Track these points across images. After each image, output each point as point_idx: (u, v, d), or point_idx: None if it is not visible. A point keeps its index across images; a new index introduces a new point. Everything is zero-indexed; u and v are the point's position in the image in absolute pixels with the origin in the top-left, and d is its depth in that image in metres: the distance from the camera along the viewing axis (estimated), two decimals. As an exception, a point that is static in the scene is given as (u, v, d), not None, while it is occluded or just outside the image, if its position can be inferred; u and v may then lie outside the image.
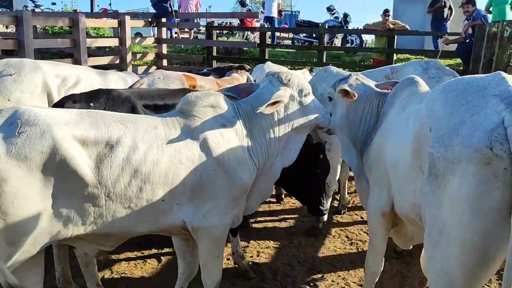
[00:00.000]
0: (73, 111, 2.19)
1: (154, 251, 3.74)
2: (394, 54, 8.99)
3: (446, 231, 1.71)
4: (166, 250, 3.72)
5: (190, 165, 2.27)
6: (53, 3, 21.73)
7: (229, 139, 2.41)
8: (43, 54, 10.48)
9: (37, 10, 18.33)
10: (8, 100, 3.27)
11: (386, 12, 9.08)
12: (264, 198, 2.82)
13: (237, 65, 4.83)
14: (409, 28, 9.13)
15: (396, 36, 8.86)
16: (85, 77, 3.85)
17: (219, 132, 2.38)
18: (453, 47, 8.25)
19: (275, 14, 14.13)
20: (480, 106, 1.66)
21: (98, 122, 2.12)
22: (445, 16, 10.56)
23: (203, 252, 2.49)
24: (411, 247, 3.31)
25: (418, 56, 10.79)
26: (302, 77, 2.80)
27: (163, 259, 3.63)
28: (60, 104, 2.85)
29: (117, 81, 4.04)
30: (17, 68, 3.40)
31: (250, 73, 4.78)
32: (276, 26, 14.44)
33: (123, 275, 3.39)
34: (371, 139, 2.74)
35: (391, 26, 8.89)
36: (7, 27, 13.49)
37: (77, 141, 2.02)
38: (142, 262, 3.57)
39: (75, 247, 2.47)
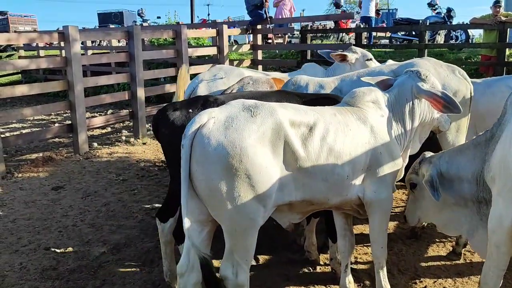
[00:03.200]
0: (275, 103, 2.59)
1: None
2: (507, 49, 8.20)
3: None
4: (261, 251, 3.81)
5: (364, 148, 2.67)
6: (158, 17, 23.50)
7: (387, 127, 2.84)
8: (149, 65, 11.34)
9: (144, 24, 19.94)
10: None
11: (497, 3, 8.31)
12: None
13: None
14: (524, 19, 8.25)
15: (508, 30, 8.07)
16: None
17: (380, 121, 2.81)
18: None
19: (372, 13, 13.68)
20: None
21: (299, 110, 2.57)
22: None
23: (375, 224, 2.86)
24: None
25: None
26: None
27: (260, 259, 3.72)
28: (164, 110, 3.11)
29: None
30: (227, 73, 4.33)
31: None
32: (373, 25, 13.97)
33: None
34: (493, 148, 2.53)
35: (503, 18, 8.12)
36: (119, 41, 14.88)
37: (289, 122, 2.43)
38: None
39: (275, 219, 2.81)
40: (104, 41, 16.34)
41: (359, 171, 2.67)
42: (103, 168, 6.24)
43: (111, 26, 23.03)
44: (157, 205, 4.82)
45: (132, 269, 3.57)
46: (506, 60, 8.10)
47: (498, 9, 8.24)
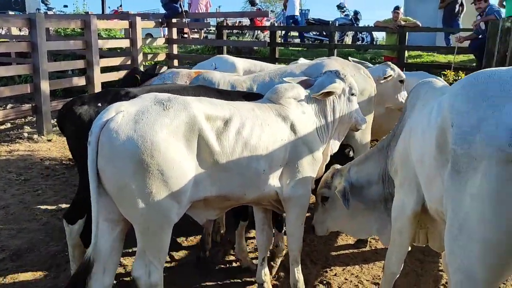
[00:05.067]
0: (190, 97, 2.53)
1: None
2: (406, 51, 8.91)
3: (467, 227, 1.69)
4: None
5: (283, 144, 2.69)
6: (65, 6, 21.91)
7: (308, 123, 2.88)
8: (55, 56, 10.59)
9: (49, 12, 18.52)
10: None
11: (396, 8, 9.00)
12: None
13: None
14: (420, 25, 9.04)
15: (407, 33, 8.78)
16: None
17: (301, 118, 2.84)
18: (465, 43, 8.15)
19: (297, 12, 14.10)
20: (501, 103, 1.63)
21: (214, 104, 2.51)
22: (456, 12, 10.44)
23: (292, 219, 2.91)
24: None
25: (430, 53, 10.71)
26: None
27: (175, 256, 3.66)
28: (70, 104, 2.94)
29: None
30: (220, 63, 4.49)
31: None
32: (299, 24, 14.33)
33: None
34: (395, 143, 2.74)
35: (402, 22, 8.81)
36: (20, 30, 13.68)
37: (205, 116, 2.36)
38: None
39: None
40: (2, 28, 14.92)
41: (276, 167, 2.70)
42: (2, 167, 5.69)
43: (11, 13, 21.07)
44: (64, 206, 4.52)
45: (36, 276, 3.31)
46: (405, 61, 8.81)
47: (396, 14, 8.92)
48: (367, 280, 3.37)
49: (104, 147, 2.15)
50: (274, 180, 2.72)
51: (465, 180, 1.68)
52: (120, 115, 2.19)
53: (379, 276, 3.42)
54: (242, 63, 4.68)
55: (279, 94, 2.89)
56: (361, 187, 3.02)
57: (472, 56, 9.03)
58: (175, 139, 2.23)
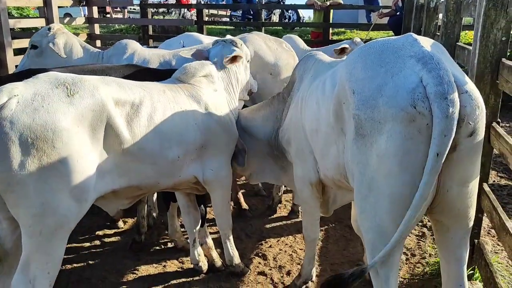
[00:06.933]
0: (95, 77, 2.30)
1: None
2: (330, 28, 9.16)
3: (375, 185, 1.79)
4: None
5: (196, 126, 2.58)
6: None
7: (221, 101, 2.82)
8: (-40, 38, 9.62)
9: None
10: None
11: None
12: None
13: None
14: (343, 3, 9.31)
15: (332, 11, 9.00)
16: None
17: (213, 97, 2.77)
18: (385, 20, 8.54)
19: None
20: (398, 67, 1.73)
21: (123, 86, 2.32)
22: (377, -10, 10.88)
23: (218, 201, 2.90)
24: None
25: (352, 30, 11.11)
26: None
27: (108, 242, 3.54)
28: None
29: None
30: (188, 41, 4.56)
31: None
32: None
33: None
34: (286, 111, 2.84)
35: (327, 3, 9.01)
36: None
37: (113, 101, 2.18)
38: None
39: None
40: None
41: (192, 151, 2.59)
42: None
43: None
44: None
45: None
46: (330, 38, 9.06)
47: None
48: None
49: None
50: (191, 165, 2.63)
51: (371, 142, 1.77)
52: (14, 100, 1.90)
53: (311, 244, 3.56)
54: (209, 40, 4.64)
55: (188, 74, 2.78)
56: (250, 134, 3.09)
57: (392, 33, 9.49)
58: (80, 128, 2.00)
